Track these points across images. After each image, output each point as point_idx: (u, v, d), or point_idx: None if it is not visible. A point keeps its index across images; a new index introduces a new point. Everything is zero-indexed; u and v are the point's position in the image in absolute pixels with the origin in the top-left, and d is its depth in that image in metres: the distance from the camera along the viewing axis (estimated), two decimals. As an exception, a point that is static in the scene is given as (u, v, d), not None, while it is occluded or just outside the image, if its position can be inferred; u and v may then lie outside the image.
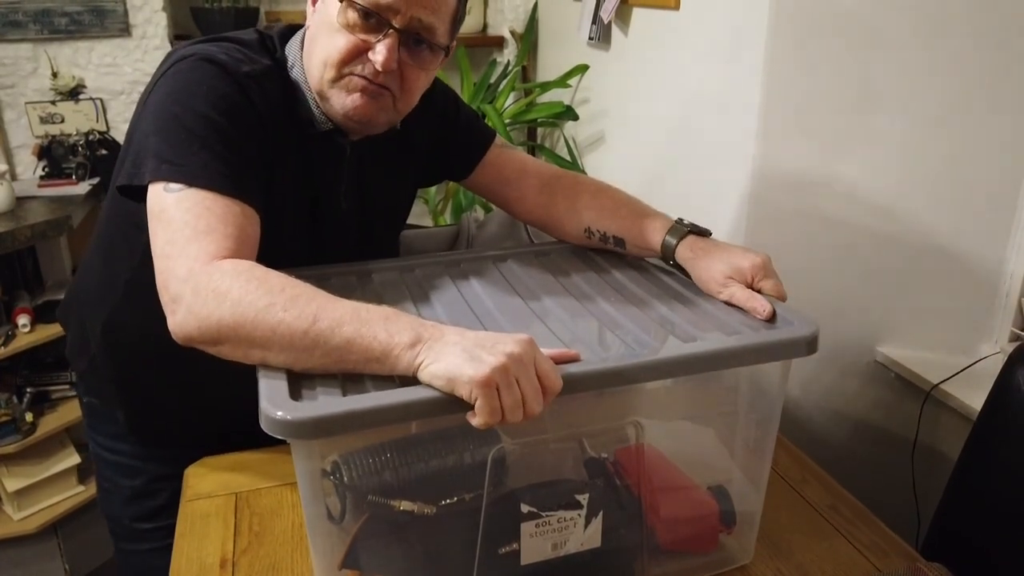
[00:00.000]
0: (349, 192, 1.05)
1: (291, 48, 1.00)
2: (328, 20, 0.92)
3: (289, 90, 0.98)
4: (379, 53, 0.90)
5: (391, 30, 0.90)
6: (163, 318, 0.80)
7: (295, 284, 0.76)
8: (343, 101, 0.94)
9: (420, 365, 0.70)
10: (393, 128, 1.03)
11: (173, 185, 0.83)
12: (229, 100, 0.88)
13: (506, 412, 0.68)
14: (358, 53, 0.91)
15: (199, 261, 0.78)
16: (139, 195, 0.87)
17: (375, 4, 0.89)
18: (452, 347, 0.70)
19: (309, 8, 0.98)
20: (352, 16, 0.90)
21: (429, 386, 0.70)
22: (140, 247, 0.91)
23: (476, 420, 0.68)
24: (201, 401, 1.11)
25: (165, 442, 1.16)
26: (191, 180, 0.83)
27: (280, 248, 0.94)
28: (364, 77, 0.92)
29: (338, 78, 0.93)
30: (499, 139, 1.18)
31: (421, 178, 1.20)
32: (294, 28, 1.03)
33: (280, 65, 0.98)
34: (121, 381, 1.13)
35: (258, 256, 0.89)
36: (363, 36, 0.91)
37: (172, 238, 0.81)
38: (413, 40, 0.93)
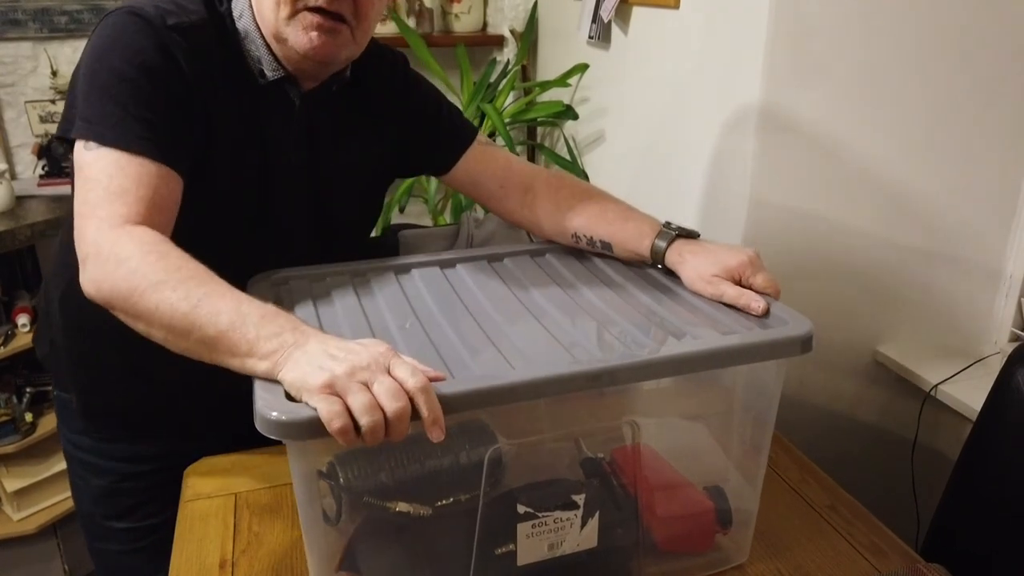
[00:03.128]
0: (299, 145, 1.04)
1: None
2: None
3: (233, 41, 0.97)
4: None
5: None
6: None
7: (194, 267, 0.77)
8: (301, 40, 0.92)
9: (278, 373, 0.70)
10: (344, 80, 1.04)
11: (91, 143, 0.84)
12: (146, 55, 0.87)
13: (357, 415, 0.65)
14: None
15: (107, 224, 0.80)
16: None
17: None
18: (305, 355, 0.70)
19: None
20: None
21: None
22: None
23: (330, 429, 0.65)
24: (150, 384, 1.10)
25: (117, 432, 1.14)
26: (104, 139, 0.84)
27: (228, 203, 0.95)
28: (317, 8, 0.91)
29: (293, 14, 0.92)
30: (482, 137, 1.18)
31: (401, 162, 1.19)
32: None
33: (222, 16, 0.97)
34: (75, 358, 1.12)
35: (205, 214, 0.90)
36: None
37: (86, 198, 0.82)
38: None
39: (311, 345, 0.71)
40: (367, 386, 0.67)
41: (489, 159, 1.16)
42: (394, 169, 1.21)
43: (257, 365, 0.71)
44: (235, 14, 0.98)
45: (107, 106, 0.85)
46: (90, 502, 1.18)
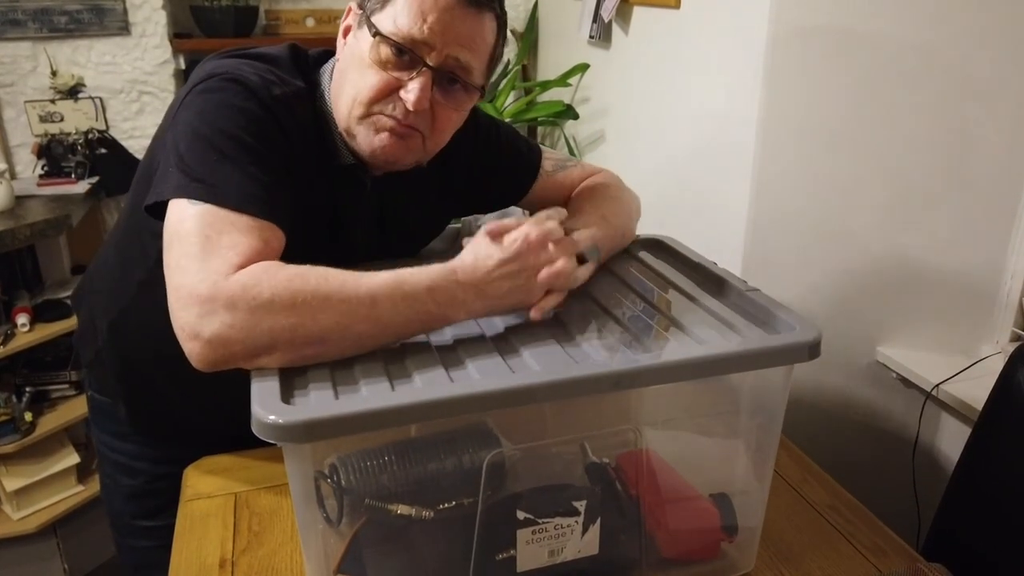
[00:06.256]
0: (367, 225, 1.03)
1: (323, 76, 0.97)
2: (359, 55, 0.88)
3: (318, 117, 0.95)
4: (411, 92, 0.86)
5: (425, 68, 0.86)
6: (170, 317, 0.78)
7: (327, 270, 0.76)
8: (370, 140, 0.90)
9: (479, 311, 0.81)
10: (420, 164, 0.99)
11: (196, 200, 0.80)
12: (259, 123, 0.85)
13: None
14: (389, 91, 0.88)
15: (222, 275, 0.74)
16: (162, 212, 0.84)
17: (410, 40, 0.85)
18: (490, 288, 0.80)
19: (340, 41, 0.94)
20: (385, 52, 0.86)
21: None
22: (154, 252, 0.88)
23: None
24: (202, 400, 1.10)
25: (166, 441, 1.16)
26: (217, 199, 0.80)
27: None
28: (393, 117, 0.88)
29: (366, 116, 0.89)
30: (547, 163, 1.14)
31: (466, 207, 1.18)
32: (330, 53, 0.99)
33: (312, 88, 0.95)
34: (124, 375, 1.12)
35: None
36: (395, 73, 0.87)
37: (189, 251, 0.77)
38: (447, 79, 0.89)
39: (470, 277, 0.80)
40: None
41: (551, 189, 1.14)
42: (461, 212, 1.20)
43: (456, 318, 0.81)
44: (320, 89, 0.96)
45: (222, 168, 0.81)
46: (120, 501, 1.19)
